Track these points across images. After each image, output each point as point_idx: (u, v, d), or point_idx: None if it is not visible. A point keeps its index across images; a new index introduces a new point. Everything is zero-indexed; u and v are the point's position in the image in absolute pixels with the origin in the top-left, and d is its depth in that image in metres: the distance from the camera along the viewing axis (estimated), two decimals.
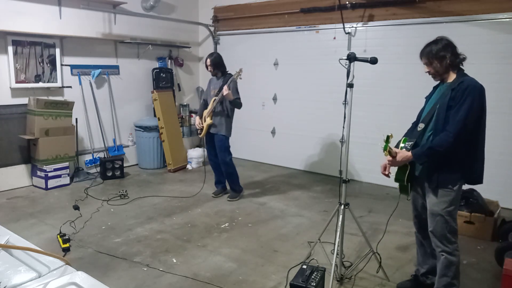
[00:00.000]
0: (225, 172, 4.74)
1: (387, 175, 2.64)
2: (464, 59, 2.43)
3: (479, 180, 2.45)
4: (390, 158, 2.49)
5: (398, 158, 2.47)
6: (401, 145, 2.57)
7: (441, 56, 2.40)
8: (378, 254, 3.00)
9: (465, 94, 2.29)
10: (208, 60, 4.52)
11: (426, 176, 2.48)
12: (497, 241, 3.56)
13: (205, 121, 4.59)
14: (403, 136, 2.67)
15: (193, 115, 7.04)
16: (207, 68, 4.59)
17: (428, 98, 2.64)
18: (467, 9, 4.56)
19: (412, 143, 2.50)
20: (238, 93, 4.51)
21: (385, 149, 2.41)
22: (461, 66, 2.45)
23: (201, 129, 4.65)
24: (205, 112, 4.61)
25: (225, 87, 4.30)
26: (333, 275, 2.76)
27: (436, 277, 2.53)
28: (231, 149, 4.70)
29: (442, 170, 2.40)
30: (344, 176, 2.90)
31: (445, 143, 2.31)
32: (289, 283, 2.46)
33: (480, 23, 4.51)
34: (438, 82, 2.57)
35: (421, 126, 2.50)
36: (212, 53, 4.63)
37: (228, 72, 4.67)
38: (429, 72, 2.50)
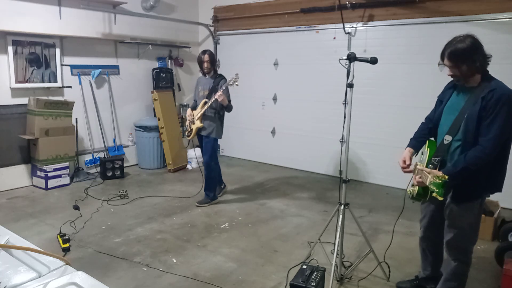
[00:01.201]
0: (206, 175, 4.57)
1: (407, 168, 2.43)
2: (490, 58, 2.22)
3: (499, 189, 2.32)
4: (420, 181, 2.29)
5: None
6: (425, 158, 2.38)
7: (472, 60, 2.15)
8: (387, 263, 2.99)
9: (498, 105, 2.09)
10: (206, 56, 4.39)
11: (453, 191, 2.32)
12: (497, 241, 3.56)
13: (193, 123, 4.48)
14: (413, 137, 2.58)
15: None
16: (203, 65, 4.42)
17: (442, 98, 2.44)
18: (467, 9, 4.55)
19: (439, 158, 2.29)
20: (229, 95, 4.39)
21: (440, 194, 2.10)
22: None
23: (190, 131, 4.54)
24: (195, 113, 4.48)
25: (219, 93, 4.16)
26: (333, 275, 2.76)
27: (442, 278, 2.48)
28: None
29: (468, 185, 2.25)
30: (344, 176, 2.90)
31: (480, 161, 2.14)
32: (289, 283, 2.46)
33: (480, 23, 4.50)
34: (450, 81, 2.39)
35: (448, 139, 2.28)
36: (206, 50, 4.51)
37: (219, 73, 4.58)
38: (452, 75, 2.26)
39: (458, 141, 2.26)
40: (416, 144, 2.55)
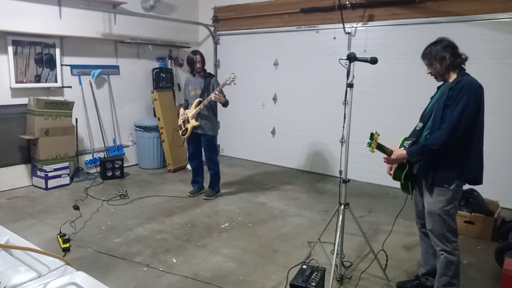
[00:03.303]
0: (212, 170, 4.74)
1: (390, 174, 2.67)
2: (465, 59, 2.43)
3: (477, 180, 2.43)
4: (385, 156, 2.53)
5: (393, 156, 2.50)
6: (400, 143, 2.59)
7: (441, 57, 2.41)
8: (385, 251, 3.01)
9: (461, 93, 2.30)
10: (198, 56, 4.50)
11: (422, 174, 2.50)
12: (497, 241, 3.56)
13: (188, 122, 4.56)
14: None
15: None
16: (196, 65, 4.50)
17: (432, 97, 2.64)
18: (467, 9, 4.56)
19: (410, 142, 2.51)
20: (222, 91, 4.47)
21: (368, 145, 2.47)
22: (463, 66, 2.44)
23: (185, 129, 4.61)
24: (188, 112, 4.56)
25: (216, 94, 4.27)
26: (333, 275, 2.76)
27: (436, 276, 2.54)
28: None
29: (437, 169, 2.41)
30: (344, 176, 2.90)
31: (438, 141, 2.32)
32: (289, 283, 2.46)
33: (480, 23, 4.50)
34: (441, 82, 2.56)
35: (419, 125, 2.52)
36: (197, 50, 4.62)
37: (208, 72, 4.68)
38: (430, 73, 2.52)
39: (428, 128, 2.46)
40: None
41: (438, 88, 2.60)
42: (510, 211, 4.33)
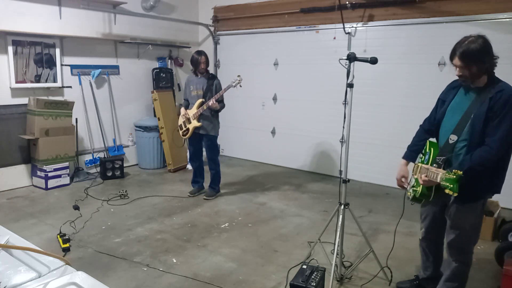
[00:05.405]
0: (213, 171, 4.77)
1: (404, 187, 2.52)
2: (497, 59, 2.22)
3: (499, 190, 2.30)
4: (427, 179, 2.25)
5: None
6: (429, 158, 2.38)
7: (482, 61, 2.15)
8: (389, 268, 2.97)
9: (507, 106, 2.09)
10: (203, 57, 4.50)
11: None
12: (497, 241, 3.56)
13: (189, 122, 4.56)
14: (410, 146, 2.58)
15: None
16: (200, 66, 4.50)
17: (444, 98, 2.41)
18: (467, 9, 4.55)
19: (444, 158, 2.28)
20: (223, 96, 4.49)
21: (455, 190, 2.04)
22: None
23: (186, 130, 4.62)
24: (190, 113, 4.56)
25: (213, 101, 4.34)
26: (333, 275, 2.76)
27: (442, 278, 2.48)
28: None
29: (473, 186, 2.20)
30: (344, 176, 2.90)
31: (487, 161, 2.12)
32: (289, 283, 2.47)
33: (480, 23, 4.50)
34: (453, 81, 2.39)
35: (453, 138, 2.26)
36: (201, 51, 4.61)
37: (211, 73, 4.69)
38: (461, 76, 2.22)
39: (464, 141, 2.23)
40: (411, 155, 2.57)
41: (454, 88, 2.37)
42: (510, 211, 4.33)
